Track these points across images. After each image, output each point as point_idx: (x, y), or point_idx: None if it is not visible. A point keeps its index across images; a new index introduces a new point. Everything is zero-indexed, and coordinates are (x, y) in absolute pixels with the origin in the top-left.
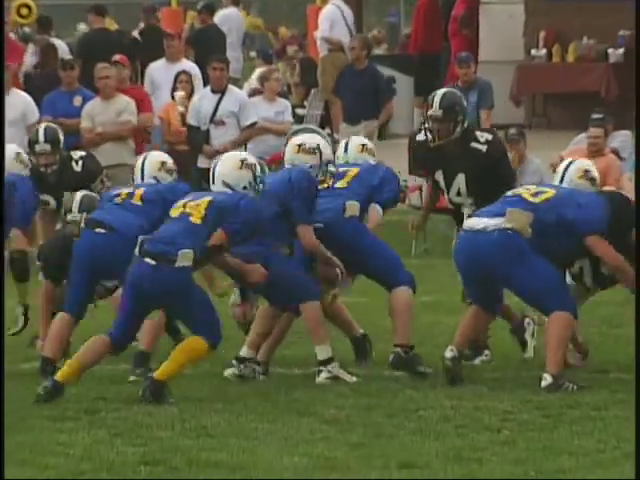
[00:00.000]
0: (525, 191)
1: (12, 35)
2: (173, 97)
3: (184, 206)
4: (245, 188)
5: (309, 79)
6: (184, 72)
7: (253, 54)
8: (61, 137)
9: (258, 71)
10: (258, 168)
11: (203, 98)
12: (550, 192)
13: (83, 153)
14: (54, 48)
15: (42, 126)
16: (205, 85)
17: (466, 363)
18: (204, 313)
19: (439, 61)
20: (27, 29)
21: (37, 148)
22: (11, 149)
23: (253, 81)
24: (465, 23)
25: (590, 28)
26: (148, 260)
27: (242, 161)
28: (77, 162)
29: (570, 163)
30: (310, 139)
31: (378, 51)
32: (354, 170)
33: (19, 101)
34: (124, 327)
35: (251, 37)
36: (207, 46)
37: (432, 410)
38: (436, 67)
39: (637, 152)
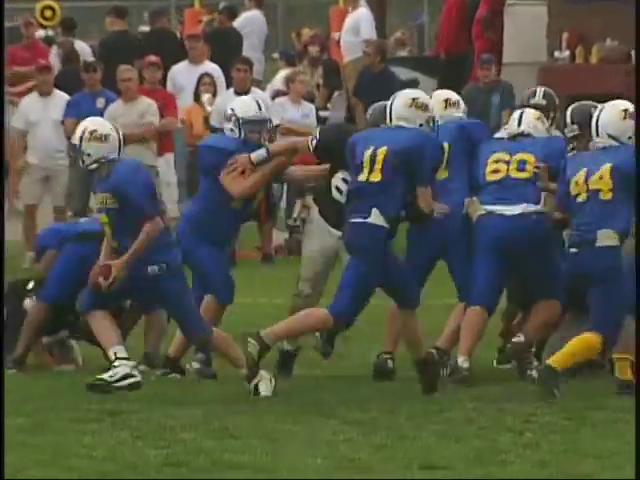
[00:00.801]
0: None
1: (39, 34)
2: (195, 99)
3: (586, 182)
4: (629, 138)
5: (332, 81)
6: (207, 74)
7: (275, 56)
8: None
9: (283, 72)
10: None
11: (227, 100)
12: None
13: None
14: (75, 51)
15: None
16: (227, 87)
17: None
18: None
19: (465, 62)
20: (50, 31)
21: None
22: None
23: (276, 83)
24: (487, 25)
25: (613, 30)
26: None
27: (624, 111)
28: None
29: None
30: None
31: (402, 53)
32: None
33: (62, 102)
34: None
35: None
36: (223, 48)
37: (455, 412)
38: (462, 68)
39: (637, 151)
